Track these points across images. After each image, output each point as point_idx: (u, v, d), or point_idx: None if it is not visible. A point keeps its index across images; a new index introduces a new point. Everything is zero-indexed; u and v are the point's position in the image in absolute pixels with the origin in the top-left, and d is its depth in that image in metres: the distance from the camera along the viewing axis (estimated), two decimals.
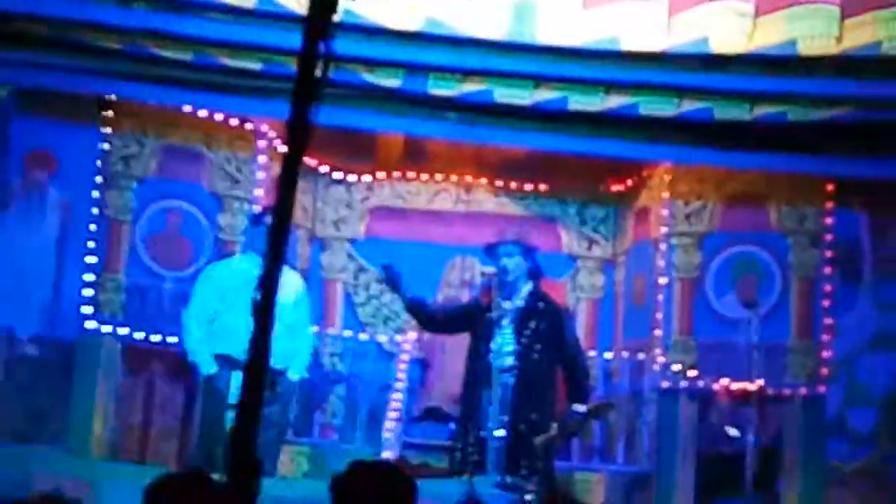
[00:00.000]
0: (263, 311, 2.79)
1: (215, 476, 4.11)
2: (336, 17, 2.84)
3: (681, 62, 8.57)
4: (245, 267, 8.66)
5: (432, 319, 9.25)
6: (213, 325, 8.66)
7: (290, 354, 8.70)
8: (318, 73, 2.88)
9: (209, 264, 9.38)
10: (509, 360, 8.43)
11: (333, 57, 2.87)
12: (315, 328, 9.83)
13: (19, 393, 9.06)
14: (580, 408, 8.47)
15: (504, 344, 8.46)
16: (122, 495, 6.72)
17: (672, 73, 8.62)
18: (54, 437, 9.07)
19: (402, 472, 4.44)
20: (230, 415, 7.77)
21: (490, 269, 9.05)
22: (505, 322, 8.53)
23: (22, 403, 9.07)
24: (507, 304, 8.61)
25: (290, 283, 8.71)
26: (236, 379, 7.82)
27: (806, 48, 8.35)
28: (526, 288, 8.73)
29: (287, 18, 8.22)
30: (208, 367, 8.52)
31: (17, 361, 9.02)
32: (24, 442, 8.81)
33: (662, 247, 10.25)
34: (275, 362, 7.80)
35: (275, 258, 2.81)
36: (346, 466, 4.33)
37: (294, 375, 8.75)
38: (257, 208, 9.76)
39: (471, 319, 8.79)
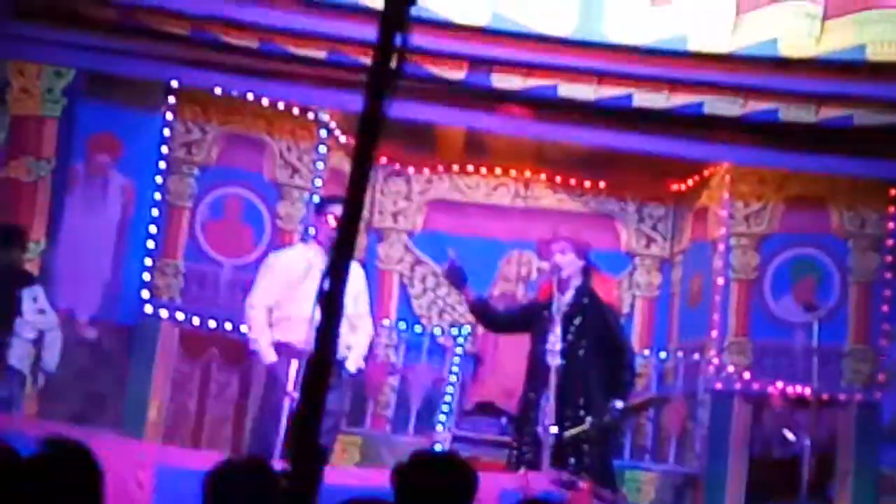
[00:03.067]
0: (331, 301, 2.78)
1: (273, 463, 4.14)
2: (413, 10, 2.84)
3: (748, 64, 8.52)
4: (307, 256, 8.63)
5: (496, 320, 9.15)
6: (274, 314, 8.64)
7: (350, 344, 8.69)
8: (392, 65, 2.87)
9: (271, 252, 9.30)
10: (558, 358, 8.39)
11: (409, 50, 2.86)
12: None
13: (77, 375, 9.09)
14: (618, 404, 8.42)
15: (554, 341, 8.42)
16: (177, 478, 6.73)
17: (738, 74, 8.58)
18: (110, 421, 9.11)
19: (464, 464, 4.44)
20: (287, 403, 7.79)
21: (547, 266, 9.02)
22: (557, 319, 8.49)
23: (79, 385, 9.11)
24: (560, 302, 8.57)
25: (352, 273, 8.65)
26: (295, 368, 7.82)
27: (874, 54, 8.29)
28: (576, 284, 8.69)
29: (353, 8, 8.24)
30: (269, 356, 8.51)
31: (75, 344, 9.04)
32: (80, 424, 8.84)
33: (721, 247, 10.19)
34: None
35: (344, 250, 2.80)
36: (410, 457, 4.33)
37: (352, 365, 8.73)
38: (317, 198, 9.77)
39: (532, 318, 8.74)
